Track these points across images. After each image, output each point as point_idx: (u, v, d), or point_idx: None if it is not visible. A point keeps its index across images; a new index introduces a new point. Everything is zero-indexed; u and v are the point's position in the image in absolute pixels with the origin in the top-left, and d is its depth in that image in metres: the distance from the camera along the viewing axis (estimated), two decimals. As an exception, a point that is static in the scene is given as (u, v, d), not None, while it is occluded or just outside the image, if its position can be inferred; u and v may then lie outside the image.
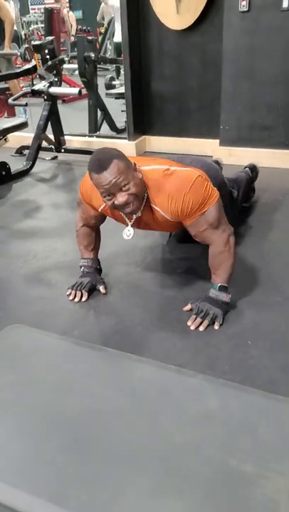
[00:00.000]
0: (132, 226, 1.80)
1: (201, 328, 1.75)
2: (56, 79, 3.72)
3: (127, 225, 1.80)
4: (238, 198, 2.40)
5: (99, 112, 4.61)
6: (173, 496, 1.15)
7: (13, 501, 1.16)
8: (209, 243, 1.77)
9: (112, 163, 1.57)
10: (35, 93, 3.52)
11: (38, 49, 3.68)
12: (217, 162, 2.88)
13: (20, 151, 4.12)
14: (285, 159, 3.48)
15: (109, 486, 1.18)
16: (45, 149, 3.98)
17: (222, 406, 1.40)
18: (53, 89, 3.55)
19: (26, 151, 3.84)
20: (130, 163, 1.65)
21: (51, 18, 6.54)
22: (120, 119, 4.91)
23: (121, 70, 7.12)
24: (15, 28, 5.47)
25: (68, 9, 10.43)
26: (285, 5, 3.12)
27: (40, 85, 3.54)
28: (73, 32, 9.59)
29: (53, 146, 3.95)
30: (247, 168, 2.76)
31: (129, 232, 1.80)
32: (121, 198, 1.62)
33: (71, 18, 9.58)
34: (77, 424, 1.36)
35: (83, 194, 1.90)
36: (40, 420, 1.38)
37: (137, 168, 1.67)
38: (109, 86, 5.65)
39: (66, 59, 4.67)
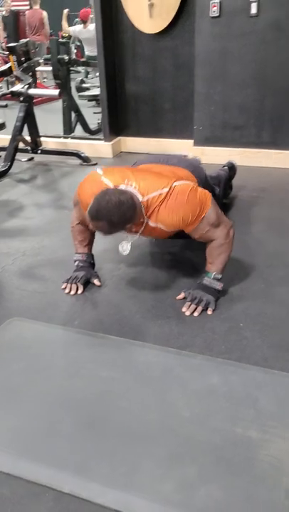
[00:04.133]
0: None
1: (196, 314, 1.87)
2: (32, 80, 3.76)
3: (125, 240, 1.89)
4: (220, 194, 2.52)
5: (72, 114, 4.67)
6: (187, 462, 1.26)
7: (40, 477, 1.23)
8: (213, 240, 1.88)
9: (101, 223, 1.68)
10: (14, 95, 3.56)
11: (12, 51, 3.71)
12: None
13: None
14: (256, 157, 3.65)
15: (127, 458, 1.27)
16: (21, 150, 4.01)
17: (223, 381, 1.52)
18: (33, 91, 3.60)
19: (2, 153, 3.87)
20: (124, 223, 1.72)
21: (18, 21, 6.54)
22: (93, 121, 5.00)
23: (89, 73, 7.22)
24: None
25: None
26: (253, 11, 3.28)
27: (18, 87, 3.58)
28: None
29: (29, 148, 3.98)
30: (226, 167, 2.90)
31: (125, 247, 1.90)
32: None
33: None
34: (89, 405, 1.45)
35: (82, 200, 1.94)
36: (54, 402, 1.46)
37: (129, 225, 1.76)
38: (80, 88, 5.72)
39: (41, 61, 4.71)
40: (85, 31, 6.76)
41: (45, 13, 8.48)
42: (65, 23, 7.30)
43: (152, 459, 1.27)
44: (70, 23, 8.07)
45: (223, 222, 1.88)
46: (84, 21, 6.75)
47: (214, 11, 3.38)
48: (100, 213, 1.66)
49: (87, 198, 1.84)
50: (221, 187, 2.62)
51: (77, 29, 7.05)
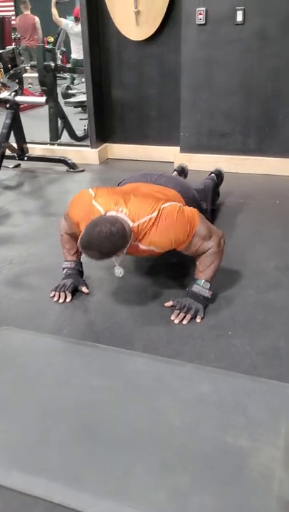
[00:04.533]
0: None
1: (185, 322, 1.87)
2: (19, 87, 3.76)
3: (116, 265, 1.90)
4: (208, 209, 2.53)
5: (59, 120, 4.66)
6: (178, 471, 1.26)
7: (32, 488, 1.22)
8: (206, 251, 1.90)
9: (91, 252, 1.71)
10: (0, 102, 3.54)
11: (-1, 58, 3.70)
12: (182, 168, 3.03)
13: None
14: (242, 164, 3.68)
15: (118, 467, 1.27)
16: (8, 157, 3.99)
17: (213, 390, 1.52)
18: (20, 98, 3.59)
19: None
20: (113, 252, 1.74)
21: (3, 27, 6.53)
22: (79, 127, 5.00)
23: (75, 80, 7.22)
24: None
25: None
26: (239, 19, 3.32)
27: (5, 94, 3.57)
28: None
29: (15, 154, 3.96)
30: (213, 174, 2.92)
31: (119, 270, 1.90)
32: None
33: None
34: (80, 414, 1.44)
35: (71, 219, 1.97)
36: (44, 412, 1.45)
37: (119, 253, 1.77)
38: (66, 95, 5.72)
39: (28, 68, 4.70)
40: (76, 29, 6.70)
41: (37, 19, 8.47)
42: (54, 11, 7.23)
43: (144, 469, 1.26)
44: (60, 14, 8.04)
45: (214, 233, 1.90)
46: (77, 19, 6.71)
47: (200, 18, 3.41)
48: (91, 244, 1.68)
49: (77, 218, 1.90)
50: (209, 198, 2.65)
51: (69, 24, 6.96)
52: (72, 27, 6.87)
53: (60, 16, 6.74)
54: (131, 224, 1.77)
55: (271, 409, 1.45)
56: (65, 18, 7.23)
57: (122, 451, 1.31)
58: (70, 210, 1.97)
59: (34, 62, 4.59)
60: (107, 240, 1.67)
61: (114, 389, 1.54)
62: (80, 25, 5.62)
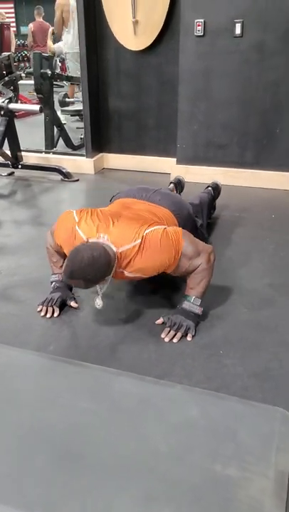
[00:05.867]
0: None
1: (175, 340, 1.81)
2: (13, 94, 3.72)
3: (98, 295, 1.85)
4: (203, 224, 2.49)
5: (55, 129, 4.62)
6: (163, 503, 1.19)
7: (5, 519, 1.15)
8: (196, 269, 1.85)
9: (76, 281, 1.70)
10: (-6, 109, 3.51)
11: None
12: (179, 180, 2.99)
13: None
14: (239, 177, 3.64)
15: (99, 498, 1.20)
16: (1, 165, 3.95)
17: (202, 414, 1.46)
18: (13, 106, 3.55)
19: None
20: (98, 279, 1.72)
21: (2, 33, 6.52)
22: (75, 136, 4.96)
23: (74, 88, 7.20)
24: None
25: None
26: (237, 31, 3.30)
27: (-1, 101, 3.54)
28: (13, 48, 9.32)
29: (9, 162, 3.92)
30: (209, 188, 2.88)
31: (99, 302, 1.85)
32: None
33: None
34: (62, 439, 1.38)
35: (56, 238, 1.96)
36: (23, 436, 1.38)
37: (106, 278, 1.75)
38: (63, 103, 5.69)
39: (23, 75, 4.66)
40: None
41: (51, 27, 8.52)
42: (49, 42, 7.28)
43: (127, 500, 1.19)
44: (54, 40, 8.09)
45: (202, 250, 1.85)
46: None
47: (199, 30, 3.38)
48: (75, 273, 1.66)
49: (60, 242, 1.93)
50: (204, 213, 2.61)
51: (61, 45, 7.03)
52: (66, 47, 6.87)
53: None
54: (114, 249, 1.74)
55: (262, 436, 1.39)
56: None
57: (104, 480, 1.24)
58: (55, 232, 1.96)
59: (30, 70, 4.55)
60: (90, 266, 1.65)
61: (99, 412, 1.47)
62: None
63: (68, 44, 5.71)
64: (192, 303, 1.86)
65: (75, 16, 4.63)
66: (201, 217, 2.48)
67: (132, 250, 1.75)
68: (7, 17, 9.37)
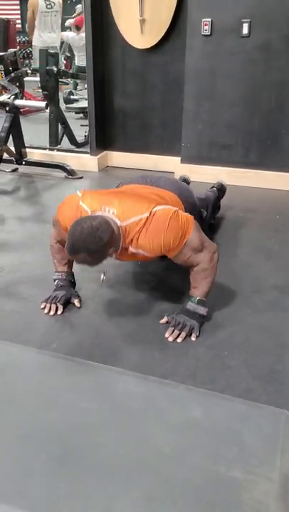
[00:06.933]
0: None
1: (179, 340, 1.80)
2: (19, 91, 3.71)
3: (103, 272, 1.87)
4: (207, 217, 2.48)
5: (59, 126, 4.60)
6: (165, 504, 1.18)
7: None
8: (196, 265, 1.83)
9: (80, 255, 1.64)
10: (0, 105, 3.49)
11: (0, 60, 3.65)
12: (184, 179, 2.98)
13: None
14: (244, 177, 3.62)
15: (101, 499, 1.19)
16: (5, 161, 3.93)
17: (206, 415, 1.45)
18: (18, 102, 3.54)
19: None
20: (104, 251, 1.67)
21: (8, 30, 6.48)
22: (79, 133, 4.94)
23: (78, 85, 7.19)
24: None
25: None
26: (244, 31, 3.28)
27: (4, 97, 3.52)
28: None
29: (13, 158, 3.90)
30: (214, 188, 2.86)
31: (102, 277, 1.88)
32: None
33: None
34: (64, 438, 1.37)
35: (60, 223, 1.90)
36: (24, 435, 1.38)
37: (111, 251, 1.72)
38: (68, 100, 5.68)
39: (29, 71, 4.65)
40: (77, 38, 6.73)
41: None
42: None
43: (128, 501, 1.19)
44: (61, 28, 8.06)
45: (207, 247, 1.82)
46: (78, 28, 6.74)
47: (206, 29, 3.36)
48: (77, 246, 1.61)
49: (65, 222, 1.82)
50: (209, 209, 2.58)
51: (70, 35, 7.00)
52: (74, 38, 6.90)
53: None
54: (119, 223, 1.70)
55: (266, 438, 1.38)
56: (65, 29, 7.30)
57: (105, 480, 1.24)
58: (58, 214, 1.91)
59: (37, 66, 4.54)
60: (91, 236, 1.60)
61: (101, 411, 1.46)
62: (82, 34, 5.73)
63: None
64: (196, 304, 1.84)
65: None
66: (206, 211, 2.46)
67: (138, 224, 1.71)
68: (12, 13, 9.31)
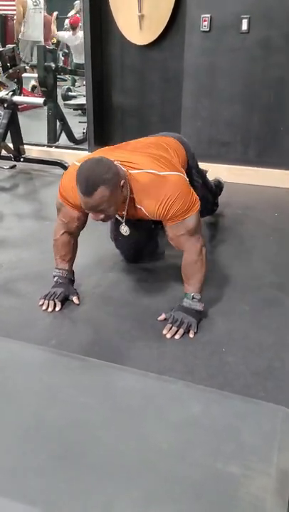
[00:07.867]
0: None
1: (177, 337, 1.80)
2: (17, 87, 3.70)
3: (121, 223, 1.87)
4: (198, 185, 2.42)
5: (57, 122, 4.60)
6: (164, 500, 1.18)
7: (7, 513, 1.14)
8: (183, 249, 1.84)
9: (98, 191, 1.57)
10: (-2, 101, 3.49)
11: (-2, 56, 3.65)
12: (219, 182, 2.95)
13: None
14: (242, 175, 3.62)
15: (101, 496, 1.19)
16: (3, 158, 3.92)
17: (204, 411, 1.45)
18: (17, 98, 3.53)
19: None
20: (118, 182, 1.64)
21: (5, 25, 6.47)
22: (78, 130, 4.93)
23: (76, 82, 7.18)
24: None
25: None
26: (244, 27, 3.28)
27: (2, 93, 3.51)
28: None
29: (11, 155, 3.89)
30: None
31: (124, 229, 1.87)
32: (96, 217, 1.69)
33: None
34: (64, 435, 1.37)
35: (65, 195, 1.88)
36: (24, 432, 1.37)
37: (124, 184, 1.68)
38: (66, 97, 5.66)
39: (27, 67, 4.64)
40: (73, 38, 6.75)
41: (55, 14, 8.45)
42: (53, 27, 7.28)
43: (128, 498, 1.19)
44: (59, 27, 8.03)
45: (198, 236, 1.84)
46: (73, 27, 6.74)
47: (205, 25, 3.36)
48: (90, 182, 1.57)
49: (68, 191, 1.83)
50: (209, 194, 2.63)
51: (66, 36, 7.04)
52: (70, 38, 6.91)
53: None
54: (124, 169, 1.71)
55: (264, 434, 1.38)
56: (63, 29, 7.36)
57: (105, 478, 1.24)
58: (61, 190, 1.91)
59: (35, 62, 4.53)
60: (98, 164, 1.60)
61: (100, 407, 1.46)
62: (77, 34, 5.82)
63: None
64: (192, 300, 1.85)
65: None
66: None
67: (148, 177, 1.71)
68: (9, 9, 9.27)
